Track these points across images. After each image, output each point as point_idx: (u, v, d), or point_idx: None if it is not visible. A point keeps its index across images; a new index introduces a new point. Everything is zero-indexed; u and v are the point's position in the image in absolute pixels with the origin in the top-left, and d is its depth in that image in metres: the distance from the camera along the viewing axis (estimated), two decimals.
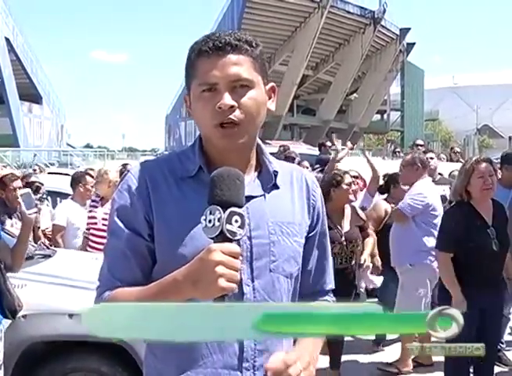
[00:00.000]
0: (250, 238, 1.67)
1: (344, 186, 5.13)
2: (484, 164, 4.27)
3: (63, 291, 4.09)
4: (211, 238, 1.42)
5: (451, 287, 4.23)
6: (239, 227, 1.41)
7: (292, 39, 48.91)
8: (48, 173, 14.02)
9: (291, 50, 48.34)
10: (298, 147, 16.68)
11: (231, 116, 1.60)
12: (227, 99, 1.59)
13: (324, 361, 5.04)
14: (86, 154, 37.99)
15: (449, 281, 4.26)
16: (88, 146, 66.15)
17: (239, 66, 1.62)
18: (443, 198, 6.58)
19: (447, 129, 70.68)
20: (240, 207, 1.44)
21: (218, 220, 1.40)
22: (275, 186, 1.76)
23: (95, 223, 5.82)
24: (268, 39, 43.79)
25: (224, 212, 1.40)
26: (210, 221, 1.41)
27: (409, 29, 57.32)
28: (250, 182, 1.71)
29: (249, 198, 1.66)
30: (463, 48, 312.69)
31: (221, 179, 1.46)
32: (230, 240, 1.41)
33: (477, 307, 4.13)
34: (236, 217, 1.41)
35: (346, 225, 5.13)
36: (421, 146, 8.57)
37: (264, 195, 1.73)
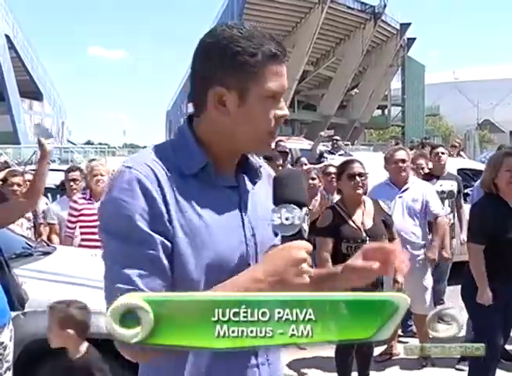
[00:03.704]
0: (253, 235, 1.64)
1: (346, 178, 4.67)
2: None
3: (62, 288, 4.07)
4: (286, 236, 1.46)
5: (480, 281, 4.15)
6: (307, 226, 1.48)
7: (292, 35, 48.91)
8: (49, 170, 14.03)
9: (292, 46, 48.27)
10: (299, 143, 16.63)
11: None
12: (287, 111, 1.62)
13: (330, 351, 5.04)
14: (87, 151, 37.89)
15: (479, 275, 4.17)
16: (88, 142, 65.94)
17: None
18: (450, 193, 6.68)
19: (447, 124, 70.53)
20: (306, 206, 1.50)
21: (298, 218, 1.45)
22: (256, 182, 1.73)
23: (95, 220, 5.65)
24: None
25: (301, 211, 1.46)
26: (287, 219, 1.45)
27: (410, 24, 57.33)
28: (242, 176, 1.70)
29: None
30: (463, 43, 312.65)
31: (290, 180, 1.53)
32: (302, 238, 1.45)
33: (502, 300, 4.10)
34: (307, 217, 1.48)
35: (368, 222, 4.68)
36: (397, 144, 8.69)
37: (253, 189, 1.71)
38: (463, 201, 6.96)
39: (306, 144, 16.66)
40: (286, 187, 1.50)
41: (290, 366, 5.55)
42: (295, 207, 1.45)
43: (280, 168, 6.47)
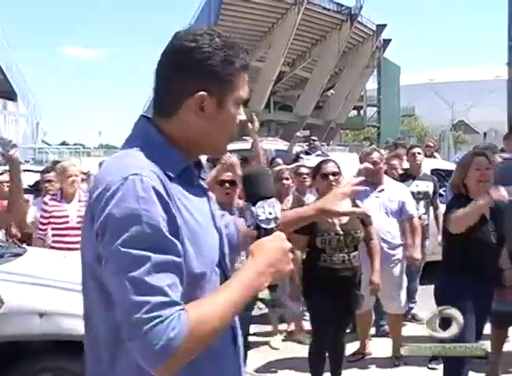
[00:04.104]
0: (219, 226, 1.75)
1: (320, 177, 4.82)
2: (481, 157, 4.29)
3: (33, 289, 4.02)
4: (267, 228, 1.59)
5: (474, 206, 4.02)
6: None
7: (269, 35, 48.89)
8: (24, 170, 13.89)
9: (268, 46, 48.32)
10: (275, 143, 16.63)
11: None
12: (244, 115, 1.71)
13: (303, 352, 5.04)
14: (62, 152, 37.54)
15: (472, 210, 4.02)
16: (64, 143, 65.13)
17: None
18: (426, 194, 6.75)
19: (423, 125, 70.98)
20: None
21: (279, 211, 1.62)
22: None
23: (67, 222, 5.61)
24: (245, 35, 43.75)
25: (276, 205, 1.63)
26: (270, 213, 1.60)
27: (386, 25, 57.52)
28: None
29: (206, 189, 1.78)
30: (439, 45, 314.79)
31: (260, 178, 1.67)
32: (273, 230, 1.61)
33: (472, 296, 4.11)
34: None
35: (343, 217, 4.66)
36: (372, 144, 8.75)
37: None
38: (439, 202, 7.02)
39: (282, 145, 16.67)
40: (258, 184, 1.64)
41: (264, 367, 5.55)
42: (275, 201, 1.61)
43: None
